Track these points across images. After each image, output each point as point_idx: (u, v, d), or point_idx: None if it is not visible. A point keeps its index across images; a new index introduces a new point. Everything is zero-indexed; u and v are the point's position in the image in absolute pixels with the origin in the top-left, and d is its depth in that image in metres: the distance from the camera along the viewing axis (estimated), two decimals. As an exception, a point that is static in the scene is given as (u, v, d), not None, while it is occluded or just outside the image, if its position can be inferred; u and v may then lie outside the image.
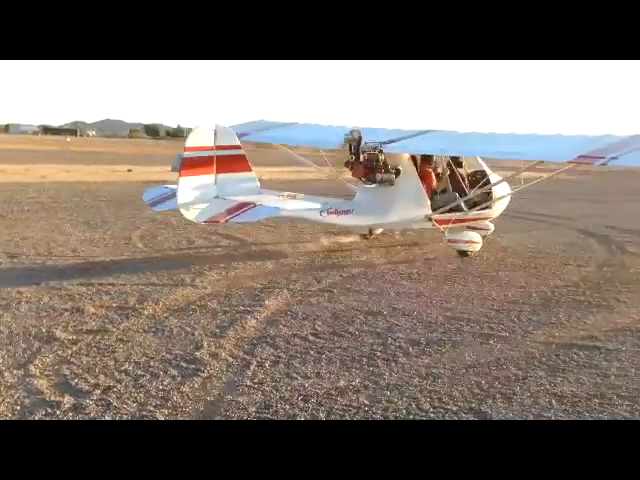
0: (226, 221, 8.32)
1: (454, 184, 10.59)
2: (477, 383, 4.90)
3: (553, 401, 4.59)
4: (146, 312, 6.39)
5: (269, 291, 7.43)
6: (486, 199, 10.67)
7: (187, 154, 8.11)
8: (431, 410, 4.37)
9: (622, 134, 8.59)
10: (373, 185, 9.79)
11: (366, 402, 4.47)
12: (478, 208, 10.52)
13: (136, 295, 7.00)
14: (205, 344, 5.54)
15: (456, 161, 10.74)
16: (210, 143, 8.28)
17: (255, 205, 8.14)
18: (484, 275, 8.84)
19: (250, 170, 8.80)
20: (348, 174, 10.65)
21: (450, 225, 10.26)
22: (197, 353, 5.32)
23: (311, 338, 5.83)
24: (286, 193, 9.88)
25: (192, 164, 8.13)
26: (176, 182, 8.15)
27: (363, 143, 9.65)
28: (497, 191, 10.78)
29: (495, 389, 4.79)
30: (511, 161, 10.44)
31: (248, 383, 4.73)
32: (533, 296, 7.73)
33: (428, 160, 10.55)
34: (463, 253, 10.04)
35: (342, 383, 4.79)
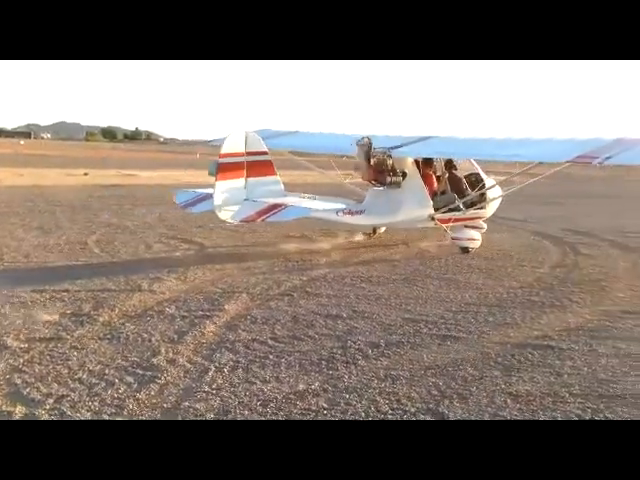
0: (262, 220, 8.87)
1: (452, 186, 11.35)
2: (435, 384, 4.96)
3: (508, 400, 4.68)
4: (101, 319, 6.26)
5: (228, 295, 7.37)
6: (481, 200, 11.47)
7: (222, 160, 8.80)
8: (390, 412, 4.40)
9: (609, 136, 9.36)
10: (381, 187, 10.57)
11: (325, 405, 4.47)
12: (474, 208, 11.32)
13: (91, 302, 6.85)
14: (162, 350, 5.46)
15: (451, 164, 11.53)
16: (241, 149, 8.95)
17: (286, 206, 8.79)
18: (442, 277, 8.95)
19: (276, 174, 9.47)
20: (357, 177, 11.38)
21: (451, 224, 10.96)
22: (154, 360, 5.23)
23: (270, 342, 5.80)
24: (306, 195, 10.40)
25: (226, 169, 8.81)
26: (211, 186, 8.80)
27: (373, 149, 10.39)
28: (490, 193, 11.56)
29: (452, 390, 4.86)
30: (500, 165, 10.87)
31: (206, 389, 4.67)
32: (489, 297, 7.87)
33: (429, 164, 11.37)
34: (465, 249, 10.80)
35: (301, 387, 4.78)
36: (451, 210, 10.95)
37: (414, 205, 10.77)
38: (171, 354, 5.37)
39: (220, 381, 4.84)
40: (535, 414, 4.44)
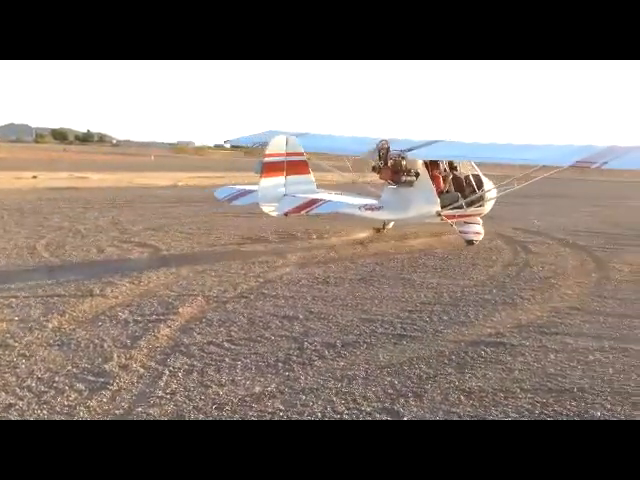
0: (305, 213, 9.95)
1: (455, 185, 12.57)
2: (390, 383, 5.01)
3: (462, 397, 4.76)
4: (51, 325, 6.09)
5: (183, 299, 7.27)
6: (480, 199, 12.67)
7: (266, 160, 9.85)
8: (345, 412, 4.43)
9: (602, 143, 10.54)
10: (395, 186, 11.66)
11: (281, 407, 4.46)
12: (474, 206, 12.54)
13: (40, 307, 6.66)
14: (115, 356, 5.35)
15: (452, 166, 12.76)
16: (282, 151, 9.97)
17: (324, 201, 9.91)
18: (398, 277, 9.05)
19: (310, 173, 10.48)
20: (373, 177, 12.42)
21: (455, 220, 12.18)
22: (106, 366, 5.12)
23: (226, 345, 5.75)
24: (333, 192, 11.10)
25: (270, 168, 9.86)
26: (256, 183, 10.05)
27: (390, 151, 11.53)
28: (488, 193, 12.91)
29: (407, 388, 4.92)
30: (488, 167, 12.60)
31: (160, 394, 4.60)
32: (444, 296, 8.00)
33: (436, 165, 12.41)
34: (470, 242, 12.00)
35: (257, 389, 4.76)
36: (454, 208, 12.12)
37: (424, 203, 11.85)
38: (124, 359, 5.26)
39: (174, 386, 4.77)
40: (487, 410, 4.54)
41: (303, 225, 13.51)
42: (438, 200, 11.99)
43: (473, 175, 12.90)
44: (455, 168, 12.84)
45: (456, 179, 12.65)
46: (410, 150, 11.75)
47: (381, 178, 11.87)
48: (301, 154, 10.30)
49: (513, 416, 4.45)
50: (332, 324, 6.56)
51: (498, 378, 5.19)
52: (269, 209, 9.80)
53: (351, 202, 10.75)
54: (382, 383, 5.00)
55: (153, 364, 5.21)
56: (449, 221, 12.13)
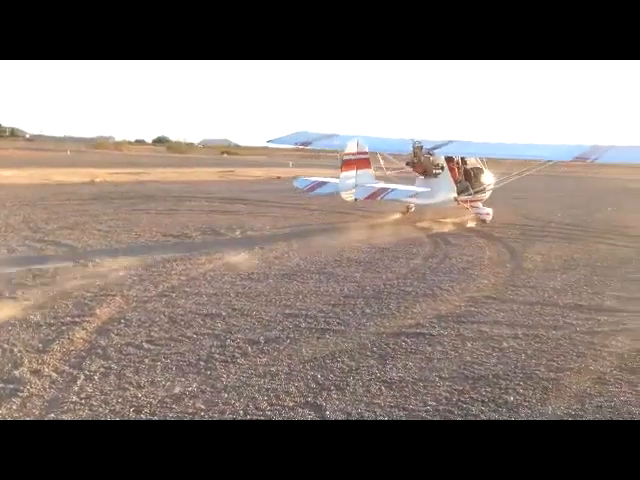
0: (380, 199, 12.85)
1: (465, 176, 15.31)
2: (313, 377, 5.03)
3: (383, 388, 4.85)
4: (-46, 331, 5.72)
5: (101, 299, 7.01)
6: (483, 188, 15.60)
7: (345, 157, 12.68)
8: (268, 408, 4.41)
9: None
10: (423, 177, 14.61)
11: (202, 407, 4.38)
12: (479, 193, 15.46)
13: (-58, 312, 6.24)
14: (26, 361, 5.09)
15: (464, 160, 15.48)
16: (354, 150, 12.71)
17: (391, 189, 12.81)
18: (322, 272, 9.10)
19: (371, 168, 13.19)
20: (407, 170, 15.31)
21: (467, 205, 15.09)
22: (16, 372, 4.86)
23: (146, 345, 5.59)
24: (382, 182, 13.51)
25: (347, 164, 12.63)
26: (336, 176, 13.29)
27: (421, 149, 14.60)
28: (488, 182, 15.89)
29: (330, 381, 4.95)
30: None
31: (74, 399, 4.41)
32: (367, 289, 8.11)
33: (452, 160, 15.12)
34: (483, 221, 15.00)
35: (178, 390, 4.66)
36: (466, 194, 15.03)
37: (446, 191, 14.70)
38: (35, 364, 5.02)
39: (90, 390, 4.59)
40: (407, 400, 4.63)
41: (230, 221, 13.33)
42: (455, 188, 14.93)
43: (477, 168, 15.69)
44: (465, 162, 15.56)
45: (466, 171, 15.39)
46: (435, 148, 14.68)
47: (415, 171, 14.89)
48: (365, 153, 12.90)
49: (431, 404, 4.57)
50: (255, 320, 6.51)
51: (418, 368, 5.31)
52: (346, 196, 12.74)
53: (405, 190, 13.59)
54: (305, 378, 5.01)
55: (67, 368, 4.99)
56: (464, 205, 15.05)
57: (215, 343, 5.74)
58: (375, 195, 12.65)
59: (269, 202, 19.46)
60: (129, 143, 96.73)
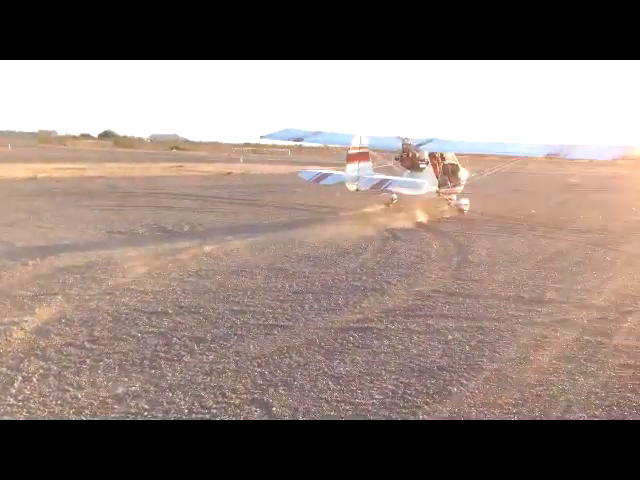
0: (382, 189, 14.31)
1: (444, 171, 16.67)
2: (261, 374, 5.00)
3: (330, 382, 4.86)
4: None
5: (41, 298, 6.78)
6: (459, 181, 17.18)
7: (350, 152, 14.15)
8: (214, 406, 4.35)
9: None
10: (410, 171, 15.83)
11: (146, 406, 4.29)
12: (455, 187, 17.05)
13: None
14: (-41, 364, 4.87)
15: (443, 156, 16.74)
16: (357, 145, 14.17)
17: (391, 180, 14.35)
18: (271, 267, 9.06)
19: (369, 161, 14.63)
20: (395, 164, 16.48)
21: (446, 196, 16.68)
22: (-52, 375, 4.66)
23: (88, 345, 5.44)
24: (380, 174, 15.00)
25: (351, 158, 14.13)
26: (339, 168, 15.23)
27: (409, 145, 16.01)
28: (463, 178, 17.40)
29: (277, 378, 4.93)
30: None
31: (11, 401, 4.26)
32: (316, 285, 8.12)
33: (434, 156, 16.46)
34: (462, 211, 16.49)
35: (120, 390, 4.55)
36: (445, 187, 16.57)
37: (430, 184, 15.74)
38: (-31, 367, 4.81)
39: (27, 392, 4.43)
40: (354, 394, 4.66)
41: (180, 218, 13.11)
42: (437, 182, 16.31)
43: (454, 164, 17.12)
44: (444, 158, 16.83)
45: (444, 167, 16.77)
46: (420, 145, 16.08)
47: (402, 166, 16.15)
48: (366, 148, 14.39)
49: (378, 397, 4.61)
50: (203, 318, 6.43)
51: (365, 362, 5.35)
52: (350, 186, 14.26)
53: (402, 181, 14.97)
54: (252, 374, 4.98)
55: (4, 370, 4.82)
56: (444, 197, 16.62)
57: (160, 341, 5.63)
58: (378, 186, 14.15)
59: (219, 198, 19.26)
60: (74, 137, 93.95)
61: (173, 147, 79.45)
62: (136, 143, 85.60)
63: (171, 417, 4.17)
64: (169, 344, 5.58)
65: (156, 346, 5.52)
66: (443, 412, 4.41)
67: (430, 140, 16.48)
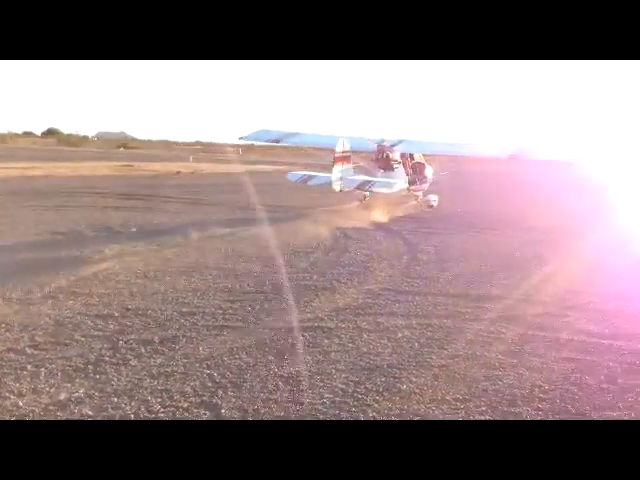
0: (366, 189, 15.70)
1: (413, 170, 17.52)
2: (210, 376, 4.93)
3: (280, 383, 4.84)
4: None
5: (-21, 303, 6.51)
6: (426, 179, 18.02)
7: (336, 154, 14.90)
8: (161, 410, 4.27)
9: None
10: (384, 171, 16.61)
11: (90, 413, 4.17)
12: (422, 184, 17.93)
13: None
14: None
15: (412, 156, 17.54)
16: (341, 149, 14.97)
17: (373, 182, 15.62)
18: (221, 268, 8.96)
19: (350, 163, 15.30)
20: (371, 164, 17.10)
21: (415, 193, 17.69)
22: None
23: (29, 351, 5.25)
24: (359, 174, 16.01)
25: (337, 160, 14.89)
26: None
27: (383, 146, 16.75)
28: (429, 176, 18.15)
29: (227, 379, 4.88)
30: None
31: (-55, 412, 4.06)
32: (267, 284, 8.07)
33: (405, 156, 17.30)
34: (431, 206, 17.63)
35: (63, 396, 4.40)
36: (414, 185, 17.41)
37: (402, 182, 16.83)
38: None
39: (-37, 401, 4.25)
40: (304, 393, 4.65)
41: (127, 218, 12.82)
42: (407, 179, 17.15)
43: (421, 163, 17.95)
44: (413, 158, 17.66)
45: (413, 165, 17.67)
46: (392, 146, 16.71)
47: (378, 166, 16.84)
48: (348, 151, 15.23)
49: (328, 397, 4.61)
50: (150, 320, 6.30)
51: (315, 361, 5.35)
52: (335, 186, 14.96)
53: (382, 181, 16.07)
54: (201, 377, 4.91)
55: (-62, 379, 4.60)
56: (414, 193, 17.62)
57: (106, 345, 5.49)
58: (361, 186, 15.54)
59: (168, 197, 18.95)
60: (16, 135, 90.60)
61: (120, 145, 77.61)
62: (82, 141, 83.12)
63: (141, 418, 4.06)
64: (115, 348, 5.44)
65: (101, 350, 5.37)
66: (393, 410, 4.44)
67: (400, 141, 17.15)
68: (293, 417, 4.25)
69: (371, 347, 5.78)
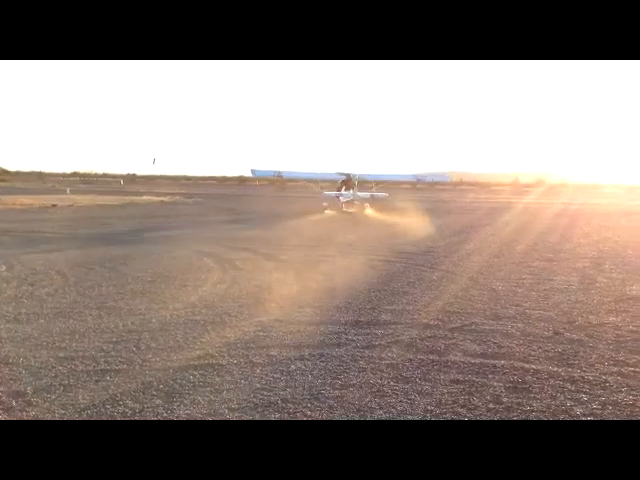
0: (353, 201, 30.29)
1: (354, 190, 30.92)
2: (91, 427, 4.56)
3: (169, 428, 4.56)
4: None
5: None
6: (365, 199, 30.87)
7: (340, 183, 31.56)
8: None
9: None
10: (346, 192, 30.52)
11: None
12: (363, 202, 30.62)
13: None
14: None
15: (356, 182, 31.19)
16: (342, 178, 31.51)
17: (354, 197, 30.56)
18: (103, 306, 8.45)
19: (349, 189, 30.79)
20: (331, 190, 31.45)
21: (357, 202, 30.31)
22: None
23: None
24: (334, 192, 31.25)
25: (340, 186, 31.19)
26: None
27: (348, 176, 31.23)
28: (364, 195, 31.08)
29: (110, 429, 4.53)
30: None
31: None
32: (153, 322, 7.70)
33: (352, 181, 30.74)
34: (364, 208, 30.64)
35: None
36: (360, 201, 30.26)
37: (356, 196, 30.20)
38: None
39: None
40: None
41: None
42: (355, 194, 30.19)
43: (355, 185, 30.65)
44: (355, 184, 30.84)
45: (354, 186, 30.51)
46: (353, 175, 30.39)
47: (345, 188, 30.28)
48: (350, 181, 30.38)
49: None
50: (22, 369, 5.77)
51: (207, 402, 5.12)
52: (342, 201, 29.35)
53: (361, 196, 30.93)
54: (81, 428, 4.52)
55: None
56: (358, 204, 29.88)
57: (-31, 401, 4.93)
58: (351, 201, 29.53)
59: (41, 232, 17.76)
60: None
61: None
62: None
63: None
64: (-20, 403, 4.90)
65: (-37, 407, 4.82)
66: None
67: (355, 175, 30.86)
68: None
69: (264, 382, 5.63)
